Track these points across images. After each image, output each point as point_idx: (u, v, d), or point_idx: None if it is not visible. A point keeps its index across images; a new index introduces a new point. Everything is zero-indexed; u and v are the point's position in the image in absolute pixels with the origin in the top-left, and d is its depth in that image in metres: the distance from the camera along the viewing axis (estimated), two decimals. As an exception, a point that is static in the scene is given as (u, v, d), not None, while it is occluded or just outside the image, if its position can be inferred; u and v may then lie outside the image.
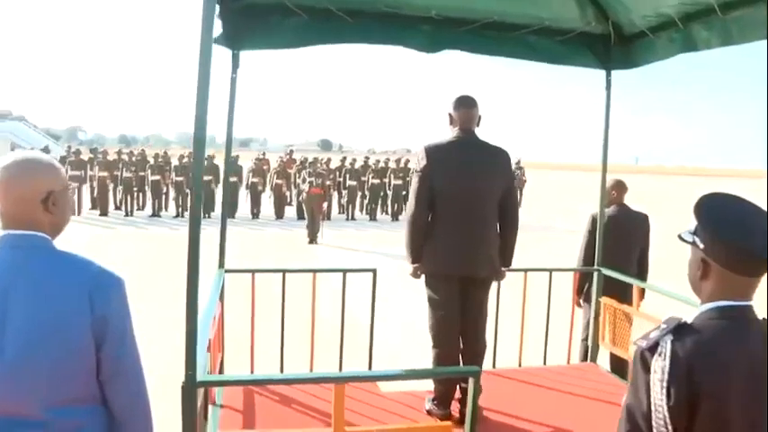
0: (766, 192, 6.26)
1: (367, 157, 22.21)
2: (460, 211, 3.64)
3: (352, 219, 20.18)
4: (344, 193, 20.64)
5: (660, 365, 1.51)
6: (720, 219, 1.58)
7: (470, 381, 2.40)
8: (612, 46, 4.52)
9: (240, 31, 3.97)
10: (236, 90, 4.19)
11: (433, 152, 3.68)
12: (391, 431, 2.49)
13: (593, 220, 5.03)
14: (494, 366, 4.71)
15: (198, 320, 2.19)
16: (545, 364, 4.84)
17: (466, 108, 3.72)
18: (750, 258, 1.53)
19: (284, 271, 4.39)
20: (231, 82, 4.19)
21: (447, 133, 3.79)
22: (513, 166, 18.40)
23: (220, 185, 20.28)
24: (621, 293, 4.63)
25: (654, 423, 1.51)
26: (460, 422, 3.69)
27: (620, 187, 5.13)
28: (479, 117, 3.78)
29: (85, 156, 20.61)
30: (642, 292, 4.73)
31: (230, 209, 19.28)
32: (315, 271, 4.46)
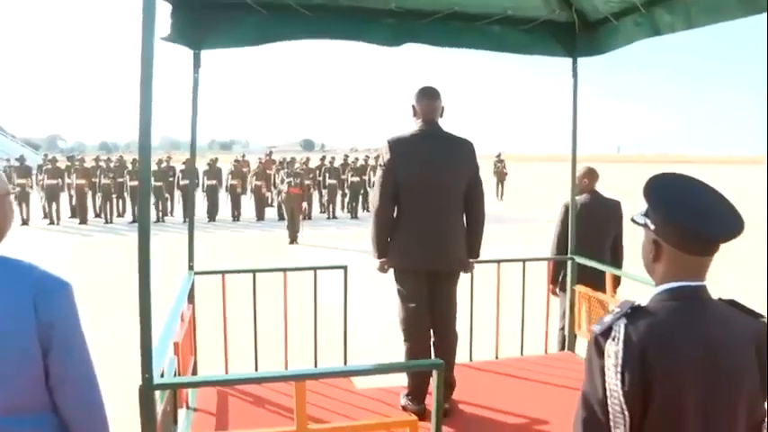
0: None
1: (346, 156, 22.17)
2: (425, 204, 3.62)
3: (334, 217, 20.12)
4: (324, 192, 20.57)
5: (614, 350, 1.49)
6: (669, 199, 1.57)
7: (434, 374, 2.38)
8: (578, 33, 4.52)
9: (200, 30, 3.92)
10: (198, 90, 4.14)
11: (397, 145, 3.65)
12: (356, 427, 2.46)
13: (566, 209, 5.03)
14: (470, 359, 4.70)
15: (152, 324, 2.14)
16: (522, 354, 4.83)
17: (428, 99, 3.69)
18: (700, 238, 1.52)
19: (254, 271, 4.36)
20: (193, 82, 4.13)
21: (411, 126, 3.76)
22: (495, 159, 18.63)
23: (199, 189, 20.19)
24: (596, 281, 4.63)
25: (610, 409, 1.49)
26: (436, 416, 3.69)
27: (591, 175, 5.13)
28: (443, 108, 3.75)
29: (63, 164, 20.39)
30: (618, 279, 4.74)
31: (211, 212, 19.21)
32: (285, 270, 4.42)
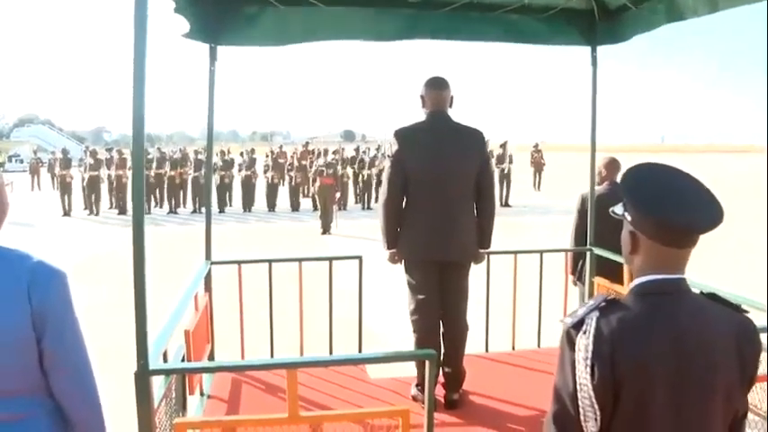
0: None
1: (379, 146, 22.22)
2: (434, 195, 3.61)
3: (368, 208, 20.17)
4: (361, 181, 20.64)
5: (584, 343, 1.46)
6: (645, 190, 1.53)
7: (427, 364, 2.38)
8: (598, 21, 4.45)
9: (215, 25, 3.97)
10: (214, 83, 4.19)
11: (405, 136, 3.65)
12: (348, 415, 2.48)
13: (583, 200, 4.97)
14: (486, 350, 4.69)
15: (147, 310, 2.19)
16: (539, 347, 4.80)
17: (436, 90, 3.67)
18: (675, 229, 1.48)
19: (270, 261, 4.42)
20: (210, 75, 4.18)
21: (420, 116, 3.75)
22: (532, 149, 18.51)
23: (235, 180, 20.43)
24: (614, 273, 4.57)
25: (580, 403, 1.47)
26: (446, 407, 3.69)
27: (610, 165, 5.04)
28: (452, 98, 3.73)
29: (103, 156, 20.86)
30: (636, 271, 4.65)
31: (246, 202, 19.49)
32: (300, 260, 4.47)
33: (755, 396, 3.18)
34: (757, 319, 2.94)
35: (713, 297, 1.59)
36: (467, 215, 3.71)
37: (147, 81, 2.11)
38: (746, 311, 1.60)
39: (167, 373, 2.61)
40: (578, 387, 1.47)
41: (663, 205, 1.48)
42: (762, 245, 11.81)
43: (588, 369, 1.45)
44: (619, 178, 4.95)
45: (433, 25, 4.25)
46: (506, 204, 20.89)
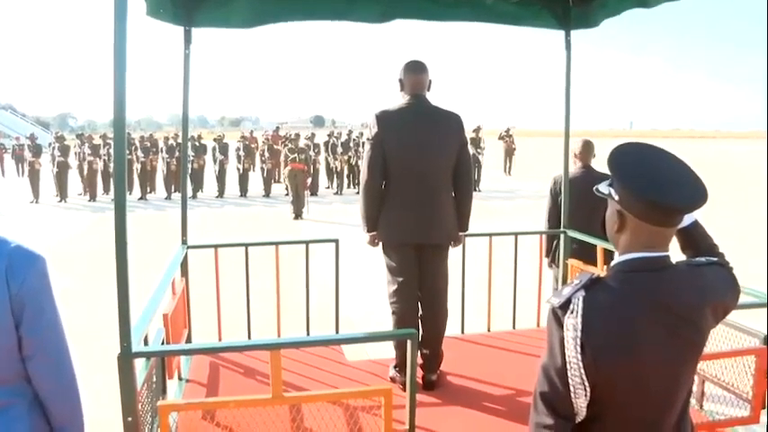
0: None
1: (350, 131, 22.20)
2: (414, 178, 3.63)
3: (340, 193, 20.15)
4: (336, 164, 20.58)
5: (572, 323, 1.48)
6: (632, 170, 1.54)
7: (408, 343, 2.41)
8: (571, 6, 4.49)
9: (189, 7, 3.93)
10: (189, 67, 4.15)
11: (384, 119, 3.66)
12: (331, 395, 2.51)
13: (555, 183, 5.03)
14: (462, 332, 4.74)
15: (129, 294, 2.19)
16: (514, 328, 4.87)
17: (415, 73, 3.69)
18: (663, 209, 1.50)
19: (246, 245, 4.42)
20: (184, 58, 4.13)
21: (398, 99, 3.76)
22: (503, 133, 18.58)
23: (208, 165, 20.22)
24: (588, 255, 4.64)
25: (570, 381, 1.48)
26: (424, 388, 3.74)
27: (583, 149, 5.09)
28: (430, 81, 3.75)
29: (71, 142, 20.48)
30: (610, 253, 4.73)
31: (220, 188, 19.33)
32: (277, 243, 4.48)
33: (736, 377, 3.26)
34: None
35: (698, 264, 1.64)
36: (446, 198, 3.74)
37: (127, 66, 2.09)
38: (722, 263, 1.71)
39: (150, 355, 2.61)
40: (568, 365, 1.48)
41: (652, 185, 1.50)
42: (739, 231, 12.11)
43: (578, 348, 1.46)
44: (592, 161, 5.10)
45: (408, 7, 4.24)
46: (475, 189, 21.02)
